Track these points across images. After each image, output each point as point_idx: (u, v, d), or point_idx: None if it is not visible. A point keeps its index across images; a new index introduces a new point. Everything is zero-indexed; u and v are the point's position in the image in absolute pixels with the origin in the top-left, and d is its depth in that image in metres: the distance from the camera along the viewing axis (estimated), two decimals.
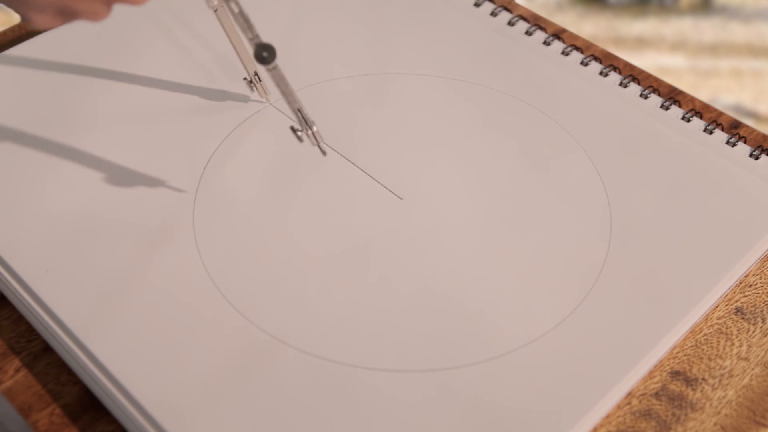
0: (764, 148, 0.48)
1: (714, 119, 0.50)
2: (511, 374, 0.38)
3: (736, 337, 0.41)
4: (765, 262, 0.44)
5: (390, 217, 0.44)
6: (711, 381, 0.40)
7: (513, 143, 0.48)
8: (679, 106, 0.50)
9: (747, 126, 0.50)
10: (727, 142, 0.48)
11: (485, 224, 0.44)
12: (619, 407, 0.39)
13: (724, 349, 0.41)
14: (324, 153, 0.43)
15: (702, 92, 1.06)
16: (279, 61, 0.52)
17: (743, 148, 0.48)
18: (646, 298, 0.41)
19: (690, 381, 0.40)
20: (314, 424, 0.37)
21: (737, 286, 0.43)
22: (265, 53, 0.40)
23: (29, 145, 0.47)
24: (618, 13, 1.16)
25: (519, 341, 0.39)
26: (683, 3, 1.18)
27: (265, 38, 0.53)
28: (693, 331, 0.41)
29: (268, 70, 0.41)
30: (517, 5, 0.58)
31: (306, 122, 0.42)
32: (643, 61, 1.07)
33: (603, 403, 0.38)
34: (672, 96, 0.52)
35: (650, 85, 0.52)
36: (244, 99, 0.50)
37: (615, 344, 0.39)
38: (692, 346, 0.41)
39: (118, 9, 0.55)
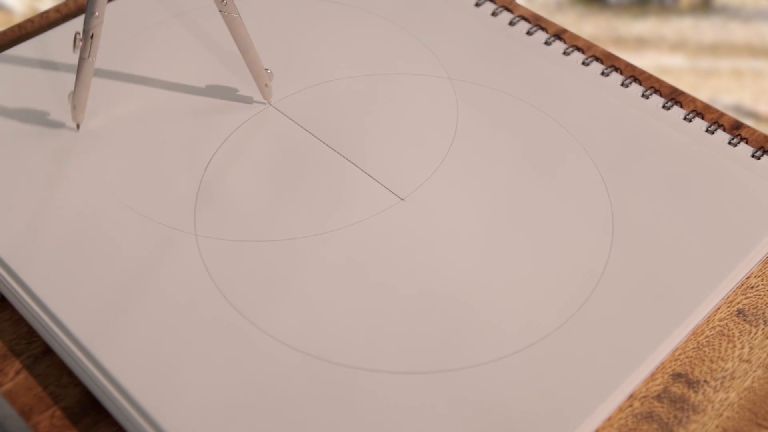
0: (766, 149, 0.48)
1: (715, 120, 0.50)
2: (513, 376, 0.38)
3: (738, 339, 0.41)
4: (767, 263, 0.44)
5: (391, 218, 0.44)
6: (713, 383, 0.40)
7: (514, 143, 0.48)
8: (681, 107, 0.50)
9: (748, 127, 0.50)
10: (729, 143, 0.48)
11: (487, 224, 0.44)
12: (621, 409, 0.39)
13: (725, 351, 0.41)
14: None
15: (702, 92, 1.06)
16: (280, 61, 0.53)
17: (745, 149, 0.48)
18: (648, 300, 0.41)
19: (692, 383, 0.40)
20: (316, 425, 0.37)
21: (739, 287, 0.43)
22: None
23: (29, 145, 0.47)
24: (618, 13, 1.16)
25: (520, 343, 0.39)
26: (683, 3, 1.18)
27: (266, 38, 0.54)
28: (695, 333, 0.41)
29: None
30: (518, 5, 0.58)
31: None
32: (643, 61, 1.06)
33: (605, 405, 0.38)
34: (673, 96, 0.52)
35: (651, 85, 0.52)
36: (246, 100, 0.50)
37: (617, 346, 0.39)
38: (694, 348, 0.41)
39: (116, 8, 0.55)
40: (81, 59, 0.46)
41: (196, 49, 0.53)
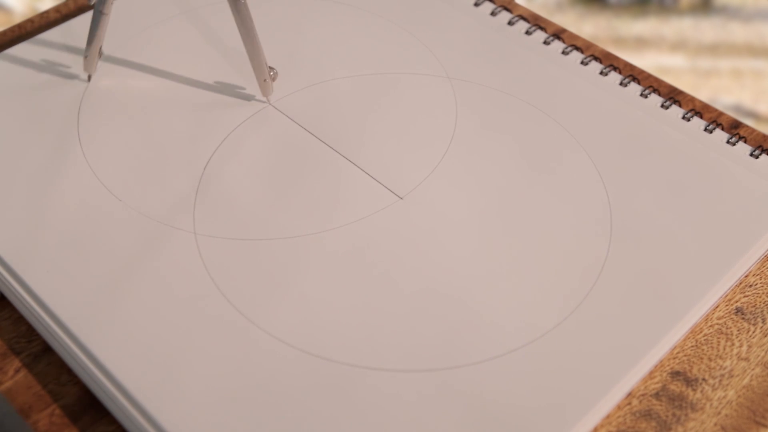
0: (764, 148, 0.48)
1: (714, 119, 0.50)
2: (511, 374, 0.38)
3: (737, 337, 0.41)
4: (765, 262, 0.44)
5: (390, 216, 0.44)
6: (711, 381, 0.40)
7: (512, 142, 0.48)
8: (680, 106, 0.50)
9: (747, 126, 0.50)
10: (728, 142, 0.48)
11: (485, 223, 0.44)
12: (619, 407, 0.39)
13: (724, 349, 0.41)
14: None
15: (702, 92, 1.06)
16: (280, 60, 0.53)
17: (743, 148, 0.48)
18: (646, 298, 0.41)
19: (690, 381, 0.40)
20: (315, 423, 0.37)
21: (737, 286, 0.43)
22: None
23: (29, 144, 0.47)
24: (618, 13, 1.16)
25: (518, 341, 0.39)
26: (683, 3, 1.18)
27: (266, 38, 0.54)
28: (693, 332, 0.41)
29: None
30: (517, 5, 0.58)
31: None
32: (643, 61, 1.07)
33: (603, 403, 0.38)
34: (672, 96, 0.52)
35: (650, 85, 0.52)
36: (246, 99, 0.51)
37: (615, 344, 0.39)
38: (692, 346, 0.41)
39: (116, 6, 0.55)
40: (99, 14, 0.48)
41: (199, 46, 0.54)
